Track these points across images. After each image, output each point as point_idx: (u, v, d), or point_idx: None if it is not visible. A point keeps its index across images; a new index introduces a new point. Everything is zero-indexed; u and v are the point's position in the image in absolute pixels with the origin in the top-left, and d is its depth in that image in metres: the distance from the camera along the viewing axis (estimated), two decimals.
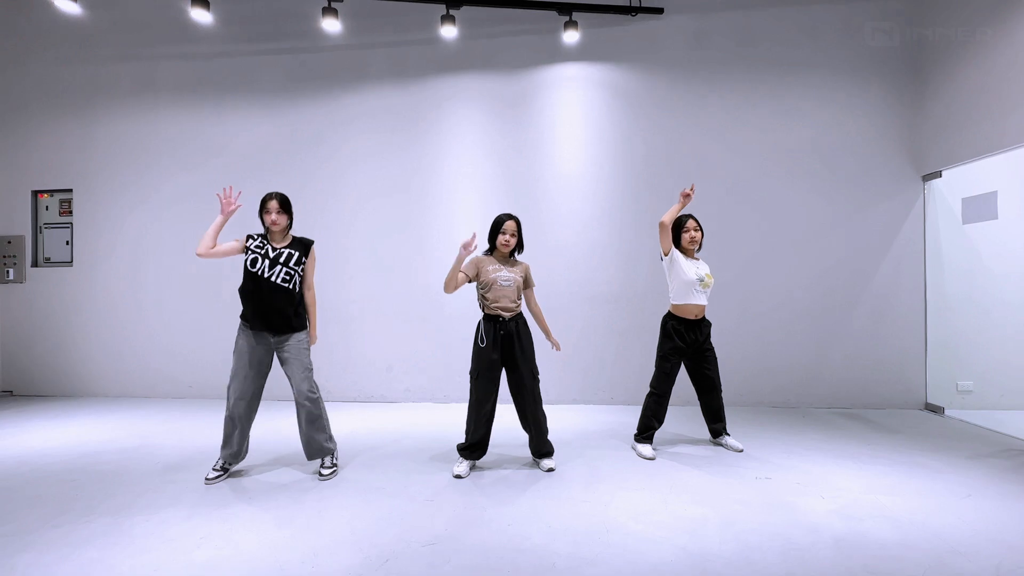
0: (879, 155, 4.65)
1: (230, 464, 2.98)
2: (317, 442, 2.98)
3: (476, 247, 2.90)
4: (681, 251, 3.33)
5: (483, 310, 3.05)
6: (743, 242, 4.68)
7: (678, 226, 3.34)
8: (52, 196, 5.33)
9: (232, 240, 2.92)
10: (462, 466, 3.01)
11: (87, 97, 5.24)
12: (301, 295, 2.97)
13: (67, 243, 5.29)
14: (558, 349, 3.24)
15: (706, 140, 4.76)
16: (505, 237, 3.03)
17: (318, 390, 3.00)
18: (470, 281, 3.01)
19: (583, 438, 3.73)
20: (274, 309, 2.86)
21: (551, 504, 2.60)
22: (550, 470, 3.04)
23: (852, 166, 4.66)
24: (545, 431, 3.12)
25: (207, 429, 3.97)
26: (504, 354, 3.00)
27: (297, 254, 2.93)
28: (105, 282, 5.19)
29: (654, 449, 3.39)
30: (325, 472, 2.96)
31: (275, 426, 4.01)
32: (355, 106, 5.01)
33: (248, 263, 2.87)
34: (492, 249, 3.10)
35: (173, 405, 4.78)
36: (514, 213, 3.17)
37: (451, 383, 4.78)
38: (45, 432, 3.92)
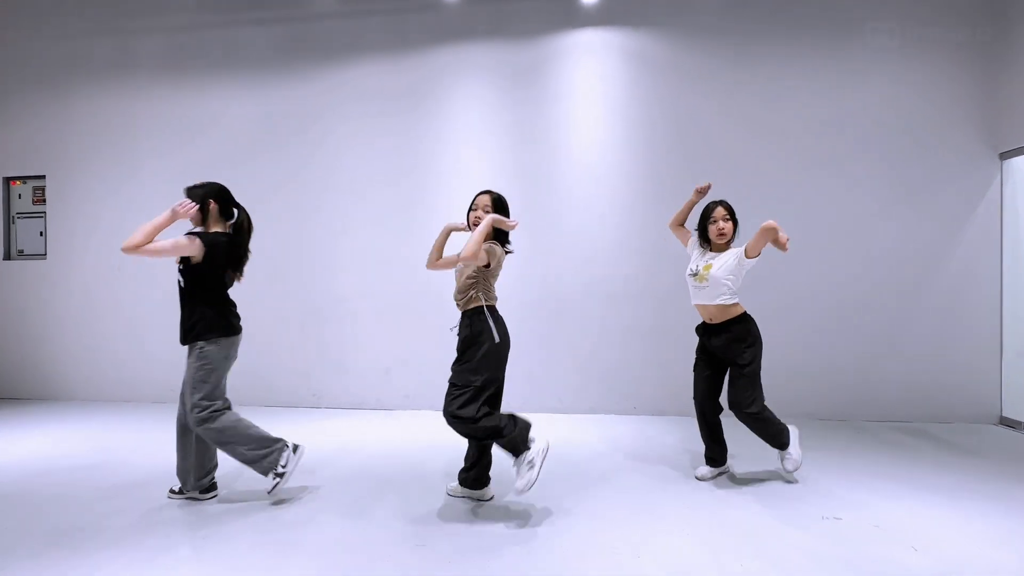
0: (945, 130, 4.00)
1: (183, 489, 2.62)
2: (247, 464, 2.51)
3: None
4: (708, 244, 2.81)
5: None
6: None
7: (705, 216, 2.81)
8: (24, 183, 4.93)
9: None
10: (454, 483, 2.62)
11: (59, 75, 4.81)
12: (195, 302, 2.49)
13: (41, 234, 4.90)
14: None
15: (740, 114, 4.16)
16: (476, 213, 2.53)
17: (206, 411, 2.42)
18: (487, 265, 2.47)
19: (603, 456, 3.21)
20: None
21: (566, 553, 2.08)
22: (491, 498, 2.59)
23: (913, 143, 4.02)
24: (485, 462, 2.58)
25: None
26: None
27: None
28: (82, 276, 4.77)
29: (712, 469, 2.86)
30: (269, 491, 2.52)
31: None
32: (349, 82, 4.50)
33: None
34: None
35: (150, 410, 4.35)
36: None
37: None
38: None
